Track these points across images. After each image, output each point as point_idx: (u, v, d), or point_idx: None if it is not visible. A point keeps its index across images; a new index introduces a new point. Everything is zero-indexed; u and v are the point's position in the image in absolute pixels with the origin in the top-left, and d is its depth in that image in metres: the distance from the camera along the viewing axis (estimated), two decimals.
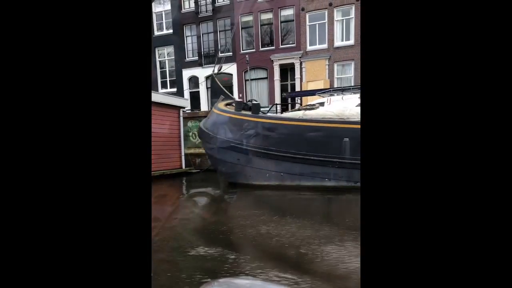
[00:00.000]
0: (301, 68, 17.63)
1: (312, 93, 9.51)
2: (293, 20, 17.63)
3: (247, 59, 14.23)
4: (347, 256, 2.65)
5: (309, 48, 17.47)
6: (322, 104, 9.01)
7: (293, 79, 18.26)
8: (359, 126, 4.45)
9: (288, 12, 17.80)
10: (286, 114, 5.13)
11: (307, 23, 17.37)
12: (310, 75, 17.23)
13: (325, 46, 17.04)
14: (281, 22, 18.01)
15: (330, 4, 16.63)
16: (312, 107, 5.53)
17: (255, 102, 4.97)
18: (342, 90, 7.17)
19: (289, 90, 18.21)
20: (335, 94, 7.04)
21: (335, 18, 16.73)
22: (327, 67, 17.00)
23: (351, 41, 16.54)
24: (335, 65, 16.89)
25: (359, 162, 3.96)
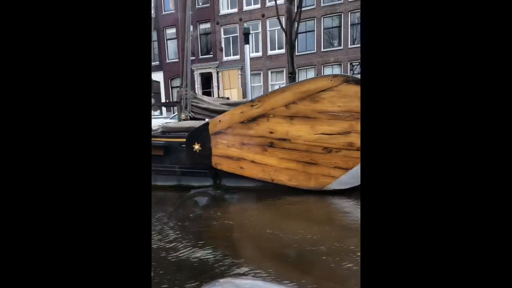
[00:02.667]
0: (217, 77, 18.88)
1: (173, 103, 10.71)
2: (210, 33, 18.89)
3: None
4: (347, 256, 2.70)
5: (224, 58, 18.66)
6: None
7: (213, 87, 19.49)
8: None
9: (206, 26, 19.01)
10: None
11: (222, 35, 18.62)
12: (226, 84, 18.45)
13: (237, 57, 18.39)
14: (200, 34, 19.21)
15: (240, 19, 17.97)
16: None
17: None
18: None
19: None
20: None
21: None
22: (239, 76, 18.35)
23: (260, 53, 17.96)
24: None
25: None
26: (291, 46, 12.25)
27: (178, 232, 3.32)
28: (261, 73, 17.81)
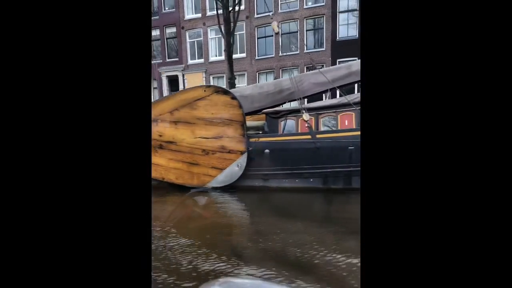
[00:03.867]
0: (183, 80, 19.31)
1: None
2: (176, 37, 19.30)
3: None
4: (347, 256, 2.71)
5: (190, 62, 19.09)
6: None
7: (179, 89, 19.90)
8: None
9: (172, 30, 19.40)
10: None
11: (187, 40, 19.06)
12: (191, 86, 18.94)
13: (202, 60, 18.86)
14: (166, 38, 19.60)
15: (204, 24, 18.43)
16: None
17: None
18: None
19: None
20: None
21: (209, 36, 18.58)
22: (204, 79, 18.80)
23: (223, 57, 18.44)
24: (211, 78, 18.75)
25: None
26: (228, 52, 12.78)
27: None
28: (224, 76, 18.26)
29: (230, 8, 12.47)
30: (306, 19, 16.62)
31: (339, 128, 4.82)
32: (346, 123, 4.80)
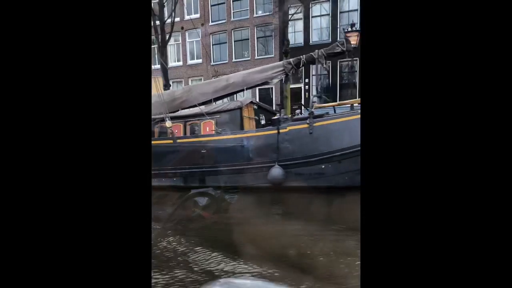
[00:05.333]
0: None
1: None
2: None
3: None
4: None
5: (154, 67, 19.73)
6: None
7: None
8: None
9: None
10: None
11: None
12: (153, 89, 19.41)
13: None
14: None
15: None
16: None
17: None
18: None
19: None
20: None
21: (169, 43, 19.14)
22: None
23: (181, 63, 19.06)
24: (170, 82, 19.30)
25: None
26: (163, 61, 13.51)
27: None
28: (183, 81, 18.87)
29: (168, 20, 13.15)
30: (256, 27, 17.32)
31: (202, 133, 5.47)
32: (208, 130, 5.44)
